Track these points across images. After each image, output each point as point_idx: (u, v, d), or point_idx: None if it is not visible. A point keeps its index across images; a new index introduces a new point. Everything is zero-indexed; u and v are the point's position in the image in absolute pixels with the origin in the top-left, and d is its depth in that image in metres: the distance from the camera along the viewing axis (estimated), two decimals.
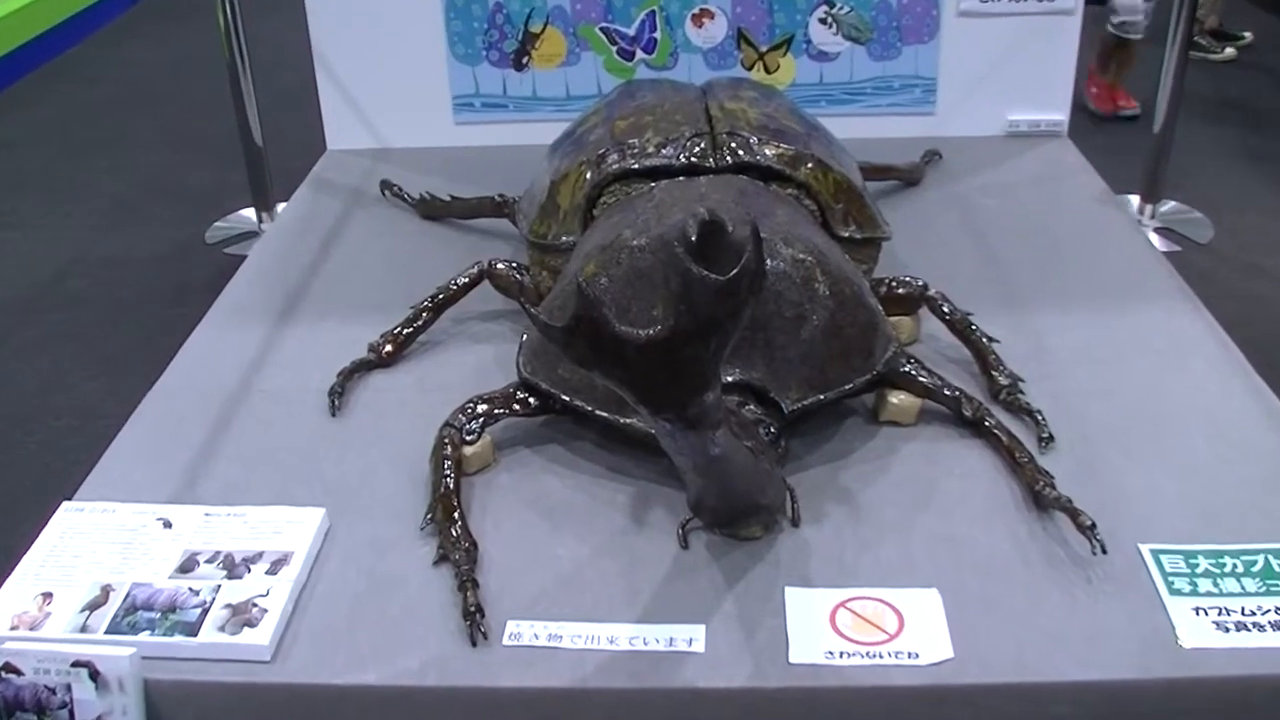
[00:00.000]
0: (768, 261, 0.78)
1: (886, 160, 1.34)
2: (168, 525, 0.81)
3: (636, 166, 0.98)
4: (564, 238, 1.00)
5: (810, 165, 0.99)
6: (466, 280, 1.04)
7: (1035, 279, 1.14)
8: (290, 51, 1.76)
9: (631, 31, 1.48)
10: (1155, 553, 0.77)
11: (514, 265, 1.05)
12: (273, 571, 0.76)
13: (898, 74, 1.50)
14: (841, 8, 1.47)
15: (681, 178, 0.96)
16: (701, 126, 1.01)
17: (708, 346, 0.60)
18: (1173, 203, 2.05)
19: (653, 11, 1.47)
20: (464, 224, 1.30)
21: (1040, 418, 0.90)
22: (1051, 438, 0.88)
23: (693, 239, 0.72)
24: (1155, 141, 1.91)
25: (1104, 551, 0.76)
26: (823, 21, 1.48)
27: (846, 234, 0.99)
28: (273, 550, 0.78)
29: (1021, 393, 0.93)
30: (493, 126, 1.52)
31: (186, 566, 0.77)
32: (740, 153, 0.98)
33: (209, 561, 0.77)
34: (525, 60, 1.49)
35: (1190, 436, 0.89)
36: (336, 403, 0.96)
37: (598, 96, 1.41)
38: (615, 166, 0.98)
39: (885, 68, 1.50)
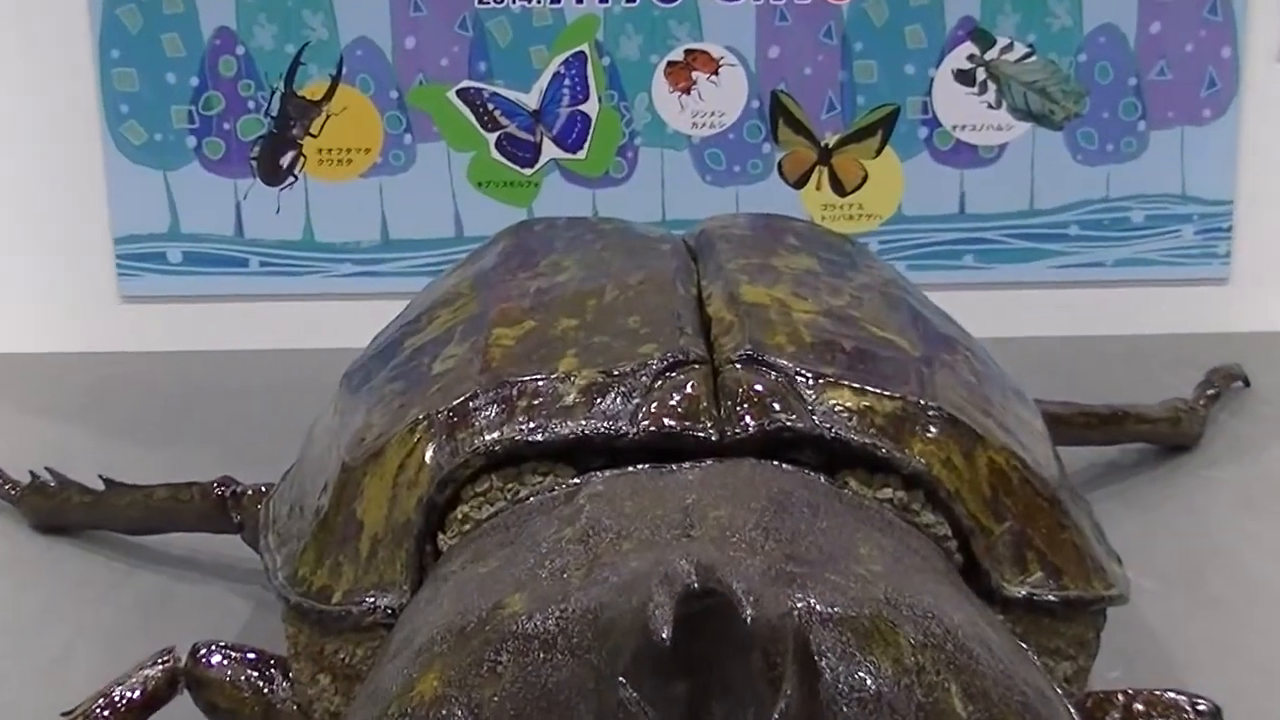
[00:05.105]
0: (836, 675, 0.82)
1: (1115, 398, 1.42)
2: None
3: (540, 439, 1.03)
4: (370, 598, 1.02)
5: (933, 431, 1.03)
6: (136, 695, 1.06)
7: None
8: None
9: (532, 101, 1.61)
10: None
11: (251, 658, 1.08)
12: None
13: (1142, 192, 1.63)
14: (1008, 46, 1.60)
15: (642, 466, 1.01)
16: (685, 345, 1.06)
17: None
18: None
19: (580, 54, 1.59)
20: (130, 545, 1.36)
21: None
22: None
23: (664, 638, 0.77)
24: None
25: None
26: (964, 76, 1.61)
27: (1021, 593, 1.02)
28: None
29: None
30: (207, 310, 1.63)
31: None
32: (775, 407, 1.02)
33: None
34: (290, 161, 1.61)
35: None
36: None
37: (456, 248, 1.52)
38: (491, 439, 1.03)
39: (1112, 178, 1.63)
